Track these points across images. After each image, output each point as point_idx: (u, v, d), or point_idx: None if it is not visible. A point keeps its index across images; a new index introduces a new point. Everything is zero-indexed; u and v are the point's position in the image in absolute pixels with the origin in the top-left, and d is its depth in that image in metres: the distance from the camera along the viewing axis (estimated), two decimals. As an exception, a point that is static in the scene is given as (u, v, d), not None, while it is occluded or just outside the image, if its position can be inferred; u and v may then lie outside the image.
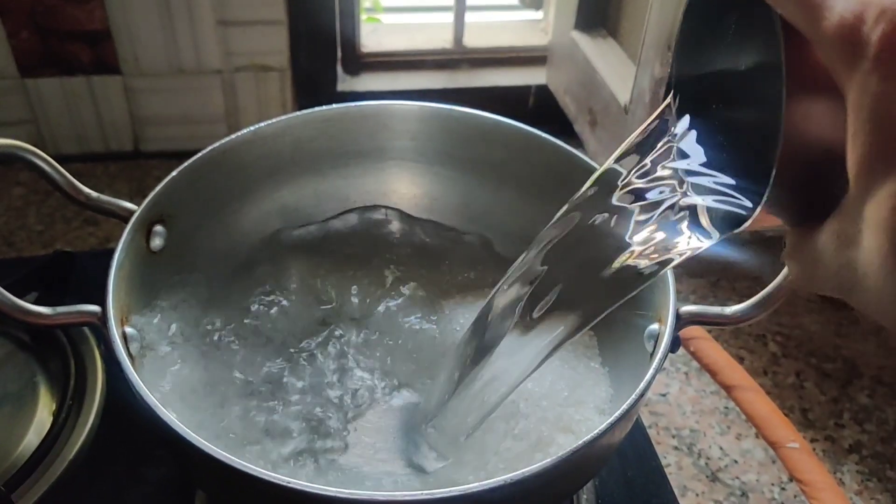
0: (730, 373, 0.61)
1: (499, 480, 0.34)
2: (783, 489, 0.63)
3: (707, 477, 0.63)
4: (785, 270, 0.42)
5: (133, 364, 0.39)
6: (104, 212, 0.45)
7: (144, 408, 0.36)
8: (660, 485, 0.57)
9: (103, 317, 0.40)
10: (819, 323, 0.77)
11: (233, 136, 0.51)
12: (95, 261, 0.62)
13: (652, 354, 0.42)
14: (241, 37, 0.86)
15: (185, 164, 0.48)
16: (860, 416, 0.68)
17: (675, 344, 0.42)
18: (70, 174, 0.84)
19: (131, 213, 0.45)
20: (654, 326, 0.44)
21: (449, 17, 1.01)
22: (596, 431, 0.36)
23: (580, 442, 0.36)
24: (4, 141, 0.41)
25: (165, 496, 0.52)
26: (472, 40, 1.02)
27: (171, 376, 0.47)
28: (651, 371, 0.39)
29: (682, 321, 0.42)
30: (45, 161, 0.43)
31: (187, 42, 0.85)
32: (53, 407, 0.56)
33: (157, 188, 0.47)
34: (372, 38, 1.01)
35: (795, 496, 0.62)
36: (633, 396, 0.38)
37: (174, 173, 0.48)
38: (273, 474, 0.33)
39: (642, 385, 0.39)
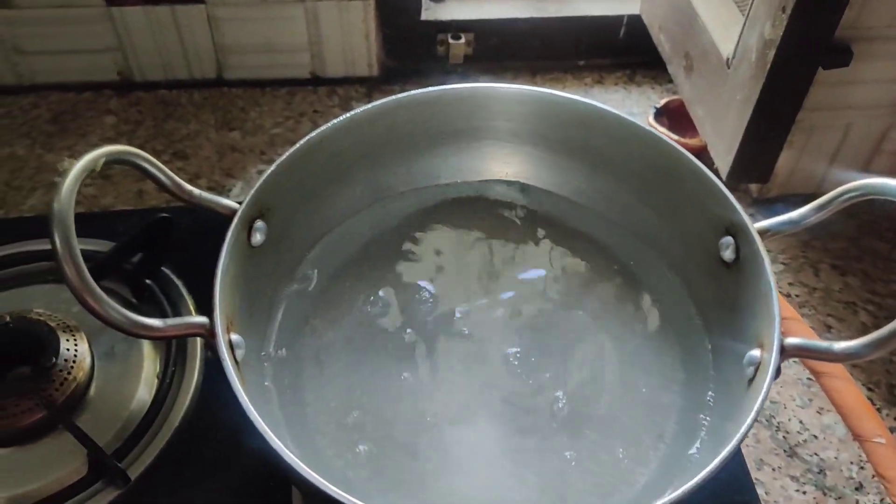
0: (819, 358, 0.60)
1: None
2: (861, 468, 0.63)
3: (785, 452, 0.64)
4: None
5: (239, 371, 0.41)
6: (206, 209, 0.46)
7: (254, 433, 0.38)
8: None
9: (211, 328, 0.41)
10: (915, 292, 0.74)
11: (328, 125, 0.50)
12: (189, 217, 0.63)
13: (751, 381, 0.42)
14: (325, -34, 0.83)
15: (283, 156, 0.48)
16: (950, 395, 0.67)
17: (777, 373, 0.42)
18: (156, 102, 0.85)
19: (233, 210, 0.46)
20: (755, 353, 0.43)
21: (539, -63, 0.95)
22: (697, 478, 0.36)
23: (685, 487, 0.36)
24: (117, 147, 0.42)
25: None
26: (563, -38, 0.96)
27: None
28: (757, 404, 0.39)
29: (786, 353, 0.41)
30: (152, 164, 0.44)
31: (270, -30, 0.83)
32: (157, 368, 0.59)
33: (257, 184, 0.47)
34: (458, -39, 0.96)
35: (874, 476, 0.62)
36: (738, 436, 0.38)
37: (273, 167, 0.48)
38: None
39: (748, 422, 0.38)
